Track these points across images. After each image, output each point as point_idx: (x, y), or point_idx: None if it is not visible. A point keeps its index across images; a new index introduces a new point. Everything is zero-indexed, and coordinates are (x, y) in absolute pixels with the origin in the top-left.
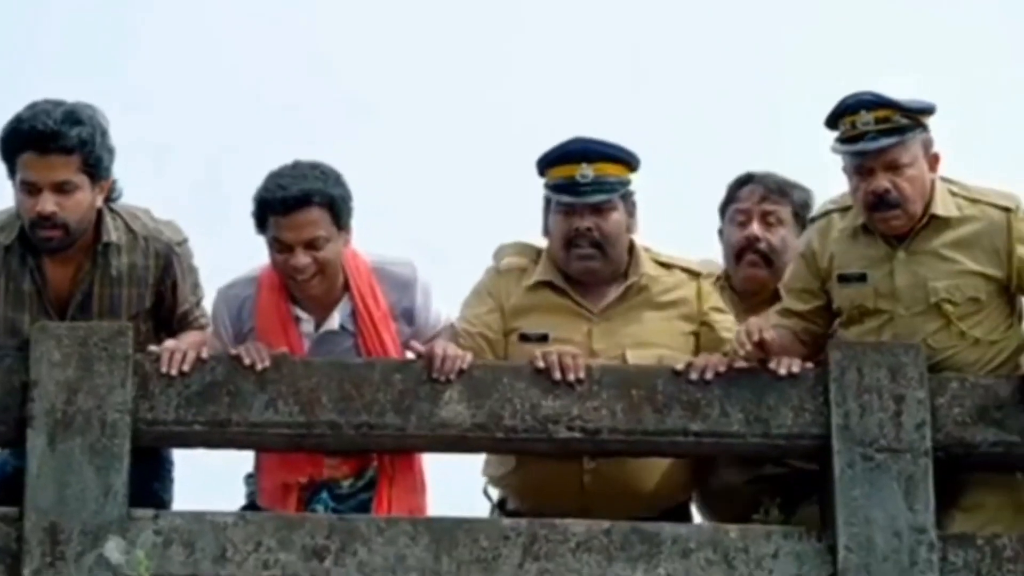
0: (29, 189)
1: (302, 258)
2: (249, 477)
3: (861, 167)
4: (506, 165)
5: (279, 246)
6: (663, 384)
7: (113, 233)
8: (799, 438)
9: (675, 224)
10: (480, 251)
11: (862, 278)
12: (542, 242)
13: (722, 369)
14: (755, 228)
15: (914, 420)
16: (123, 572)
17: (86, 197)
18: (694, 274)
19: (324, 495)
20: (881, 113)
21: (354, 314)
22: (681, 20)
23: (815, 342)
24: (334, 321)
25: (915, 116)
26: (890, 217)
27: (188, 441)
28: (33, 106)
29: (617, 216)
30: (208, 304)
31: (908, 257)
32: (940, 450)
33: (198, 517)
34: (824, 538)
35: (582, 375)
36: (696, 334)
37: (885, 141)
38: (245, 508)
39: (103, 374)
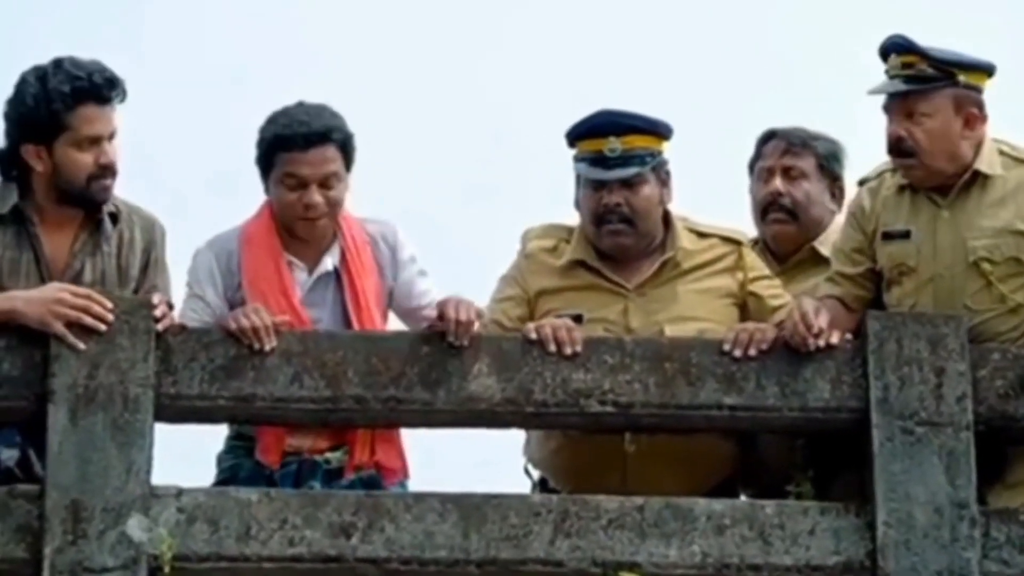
0: (93, 140)
1: (316, 196)
2: (223, 455)
3: (888, 110)
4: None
5: (294, 182)
6: (697, 356)
7: (111, 205)
8: (837, 411)
9: (705, 189)
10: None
11: (906, 235)
12: (572, 219)
13: (764, 347)
14: (778, 183)
15: (955, 393)
16: (146, 550)
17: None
18: (734, 242)
19: (316, 483)
20: (908, 59)
21: (344, 257)
22: None
23: (865, 309)
24: (327, 263)
25: (946, 68)
26: (906, 165)
27: (212, 416)
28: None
29: (648, 190)
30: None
31: (951, 216)
32: (982, 423)
33: (222, 494)
34: (863, 514)
35: (579, 348)
36: (741, 305)
37: (903, 87)
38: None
39: (125, 348)
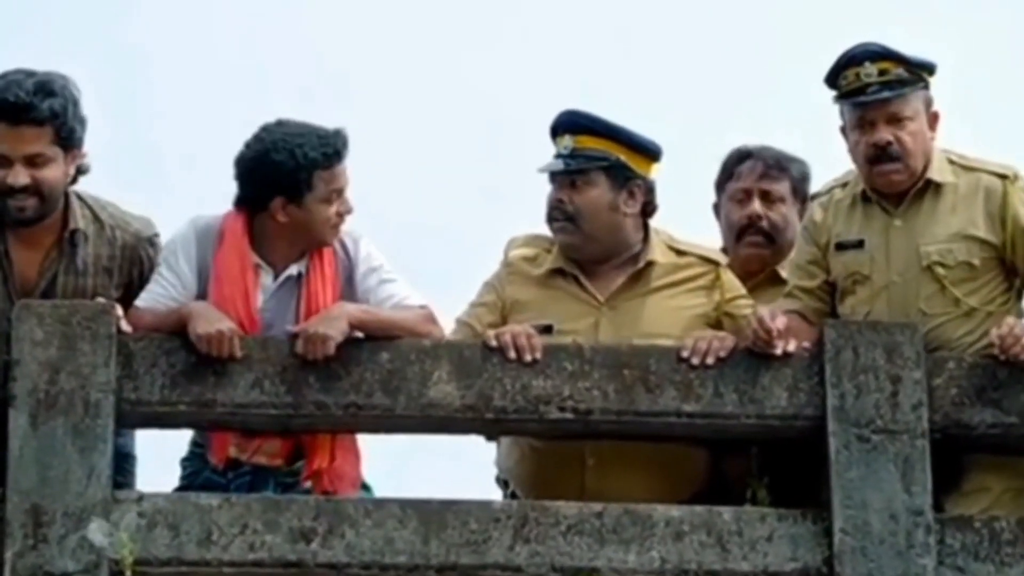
0: (0, 162)
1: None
2: (185, 461)
3: (863, 120)
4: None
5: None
6: (656, 364)
7: (80, 221)
8: (794, 419)
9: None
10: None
11: (859, 244)
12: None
13: (723, 355)
14: (756, 206)
15: (911, 401)
16: (107, 555)
17: (59, 168)
18: (712, 262)
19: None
20: (884, 65)
21: (309, 265)
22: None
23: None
24: (293, 269)
25: (917, 71)
26: (890, 171)
27: (173, 422)
28: (3, 76)
29: (595, 192)
30: None
31: (904, 224)
32: (937, 431)
33: (183, 499)
34: (819, 520)
35: (538, 355)
36: (713, 325)
37: (887, 93)
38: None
39: (87, 353)
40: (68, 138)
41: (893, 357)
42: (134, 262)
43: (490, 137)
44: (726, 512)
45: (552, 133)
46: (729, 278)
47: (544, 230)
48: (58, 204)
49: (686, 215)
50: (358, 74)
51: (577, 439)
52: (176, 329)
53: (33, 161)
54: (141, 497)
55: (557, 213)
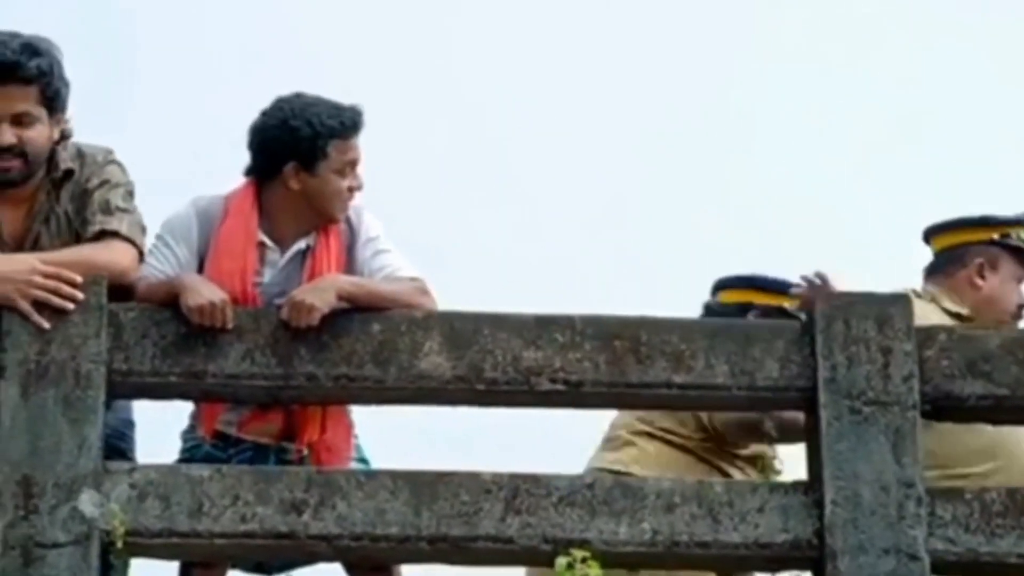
0: None
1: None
2: (186, 434)
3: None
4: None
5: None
6: (647, 335)
7: (69, 162)
8: (785, 391)
9: None
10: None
11: None
12: None
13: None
14: None
15: (902, 372)
16: (98, 526)
17: (45, 130)
18: None
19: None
20: None
21: (316, 239)
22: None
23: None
24: (301, 243)
25: None
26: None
27: (164, 392)
28: None
29: None
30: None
31: None
32: (928, 403)
33: (174, 471)
34: (810, 492)
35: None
36: None
37: None
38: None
39: (77, 324)
40: (53, 99)
41: (884, 329)
42: (91, 176)
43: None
44: (717, 484)
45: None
46: None
47: None
48: (41, 167)
49: None
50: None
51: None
52: (167, 301)
53: (20, 120)
54: (132, 468)
55: None
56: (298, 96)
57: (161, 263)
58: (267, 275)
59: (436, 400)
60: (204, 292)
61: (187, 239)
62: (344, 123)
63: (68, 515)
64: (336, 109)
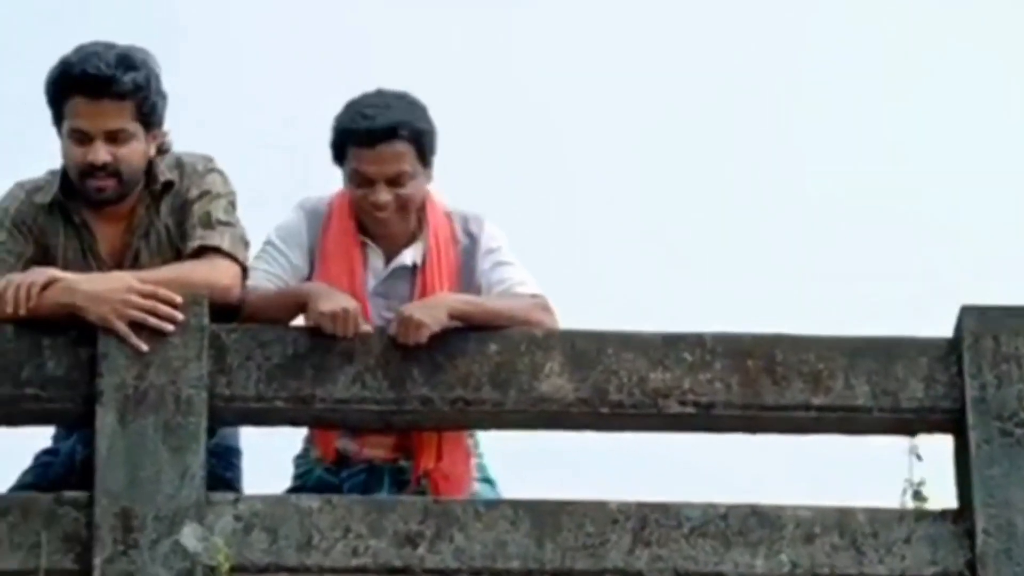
0: (80, 138)
1: (383, 194)
2: (298, 459)
3: None
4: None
5: (359, 179)
6: (782, 354)
7: (167, 173)
8: (930, 412)
9: None
10: None
11: None
12: None
13: None
14: None
15: None
16: (201, 560)
17: (140, 146)
18: None
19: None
20: None
21: (426, 255)
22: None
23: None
24: (406, 257)
25: None
26: None
27: (269, 419)
28: (82, 48)
29: None
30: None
31: None
32: None
33: (281, 501)
34: (960, 521)
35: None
36: None
37: None
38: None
39: (177, 346)
40: (150, 114)
41: None
42: (191, 187)
43: None
44: (860, 512)
45: None
46: None
47: None
48: (138, 185)
49: None
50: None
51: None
52: (289, 310)
53: (114, 137)
54: (237, 499)
55: None
56: (364, 94)
57: (275, 268)
58: (370, 281)
59: (558, 425)
60: (336, 298)
61: (299, 243)
62: (359, 130)
63: (170, 549)
64: (362, 115)
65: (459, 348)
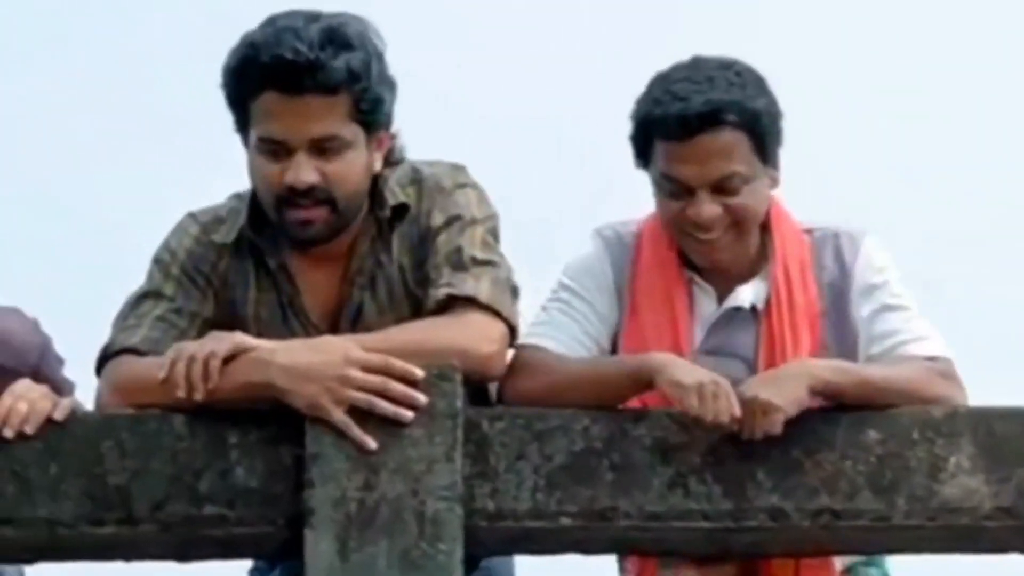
0: (274, 150)
1: (708, 206)
2: None
3: None
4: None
5: (672, 187)
6: None
7: (399, 192)
8: None
9: None
10: None
11: None
12: None
13: None
14: None
15: None
16: None
17: (361, 157)
18: None
19: None
20: None
21: (771, 292)
22: None
23: None
24: (743, 296)
25: None
26: None
27: (551, 543)
28: (273, 21)
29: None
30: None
31: None
32: None
33: None
34: None
35: None
36: None
37: None
38: None
39: (419, 441)
40: (372, 112)
41: None
42: (432, 210)
43: None
44: None
45: None
46: None
47: None
48: (359, 213)
49: None
50: None
51: None
52: (614, 391)
53: (323, 147)
54: None
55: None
56: (675, 65)
57: (580, 323)
58: (697, 334)
59: (970, 545)
60: (693, 370)
61: (604, 285)
62: (667, 116)
63: None
64: (672, 95)
65: (824, 437)
